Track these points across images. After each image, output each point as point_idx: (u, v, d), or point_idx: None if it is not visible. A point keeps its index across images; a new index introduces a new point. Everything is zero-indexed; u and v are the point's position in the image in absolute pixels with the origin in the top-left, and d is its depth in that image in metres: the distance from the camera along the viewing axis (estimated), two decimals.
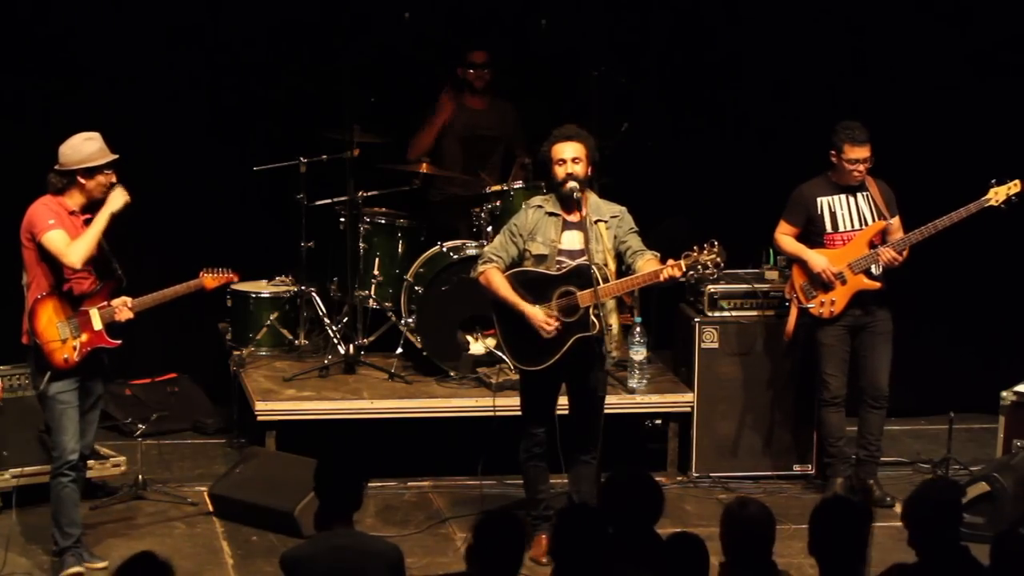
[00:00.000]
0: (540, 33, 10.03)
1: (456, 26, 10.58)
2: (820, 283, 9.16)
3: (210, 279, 8.50)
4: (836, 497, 6.73)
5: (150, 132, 10.32)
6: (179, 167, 10.41)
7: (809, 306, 9.20)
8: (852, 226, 9.17)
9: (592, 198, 8.39)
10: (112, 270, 8.09)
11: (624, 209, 8.40)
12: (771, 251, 9.90)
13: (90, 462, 8.62)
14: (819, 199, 9.18)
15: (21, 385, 8.93)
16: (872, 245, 9.15)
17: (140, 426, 9.97)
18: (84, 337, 7.99)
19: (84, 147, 8.01)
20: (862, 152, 9.06)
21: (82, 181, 7.98)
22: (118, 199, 8.01)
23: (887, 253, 9.07)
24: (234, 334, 10.27)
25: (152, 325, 9.85)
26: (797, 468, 9.71)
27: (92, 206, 8.04)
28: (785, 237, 9.27)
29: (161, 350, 10.39)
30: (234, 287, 10.18)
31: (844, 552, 5.93)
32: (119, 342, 8.09)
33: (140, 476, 9.18)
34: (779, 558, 8.36)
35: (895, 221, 9.17)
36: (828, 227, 9.18)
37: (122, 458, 9.16)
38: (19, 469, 8.84)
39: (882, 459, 9.65)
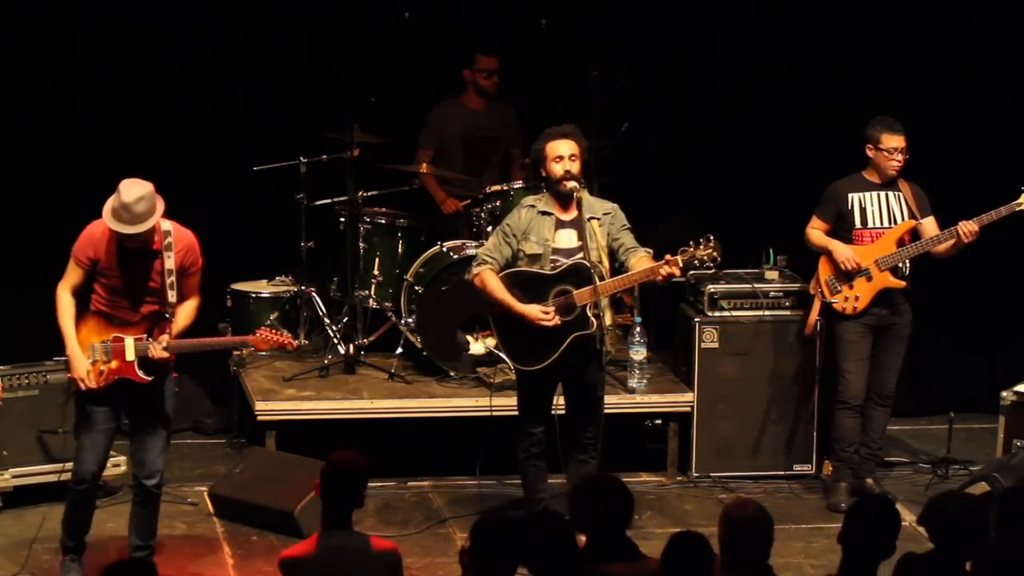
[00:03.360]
0: (540, 33, 10.03)
1: (464, 28, 10.57)
2: (845, 276, 9.15)
3: (262, 340, 8.00)
4: (877, 496, 6.73)
5: (149, 132, 10.32)
6: (179, 167, 10.40)
7: (833, 301, 9.19)
8: (881, 223, 9.17)
9: (585, 196, 8.39)
10: (162, 303, 7.74)
11: (616, 206, 8.41)
12: (771, 251, 9.91)
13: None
14: (850, 195, 9.18)
15: (21, 385, 8.93)
16: (901, 243, 9.14)
17: None
18: (113, 364, 7.72)
19: (114, 198, 7.55)
20: (899, 141, 9.08)
21: None
22: (78, 370, 7.69)
23: (966, 226, 8.99)
24: (234, 334, 10.25)
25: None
26: (797, 468, 9.71)
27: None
28: (815, 231, 9.26)
29: None
30: (234, 287, 10.19)
31: (873, 549, 5.95)
32: (150, 378, 7.77)
33: None
34: (779, 558, 8.39)
35: (928, 222, 9.17)
36: (857, 223, 9.17)
37: (122, 458, 9.13)
38: (19, 469, 8.84)
39: (884, 459, 9.69)
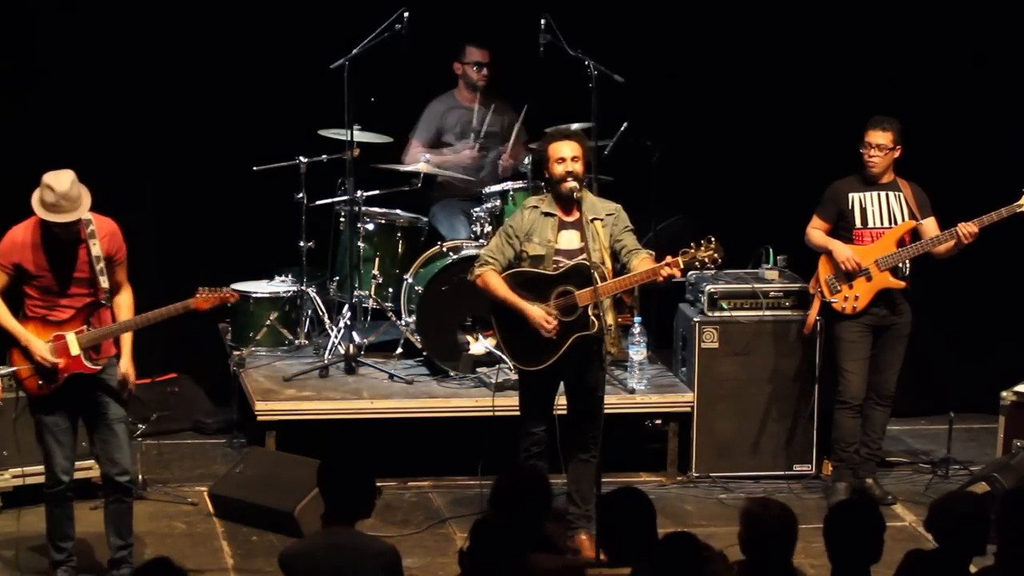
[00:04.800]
0: (540, 32, 10.00)
1: (457, 23, 10.57)
2: (845, 276, 9.14)
3: (203, 300, 8.00)
4: (855, 500, 6.74)
5: (149, 131, 10.32)
6: (179, 167, 10.42)
7: (832, 300, 9.19)
8: (882, 223, 9.17)
9: (588, 197, 8.40)
10: (94, 292, 7.82)
11: (619, 207, 8.41)
12: (771, 251, 9.91)
13: (90, 462, 8.59)
14: (851, 195, 9.19)
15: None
16: (901, 244, 9.14)
17: (140, 426, 9.96)
18: (60, 363, 7.78)
19: (43, 193, 7.66)
20: (876, 137, 9.09)
21: None
22: (39, 350, 7.74)
23: (966, 227, 8.99)
24: (234, 334, 10.26)
25: (152, 325, 9.84)
26: (797, 468, 9.71)
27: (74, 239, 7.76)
28: (815, 231, 9.26)
29: (161, 350, 10.38)
30: (234, 287, 10.16)
31: (859, 553, 5.95)
32: (98, 367, 7.84)
33: (140, 476, 9.18)
34: None
35: (928, 222, 9.17)
36: (857, 223, 9.18)
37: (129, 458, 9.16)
38: (19, 469, 8.84)
39: (885, 459, 9.69)
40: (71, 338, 7.80)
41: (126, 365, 7.91)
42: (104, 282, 7.80)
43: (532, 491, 6.42)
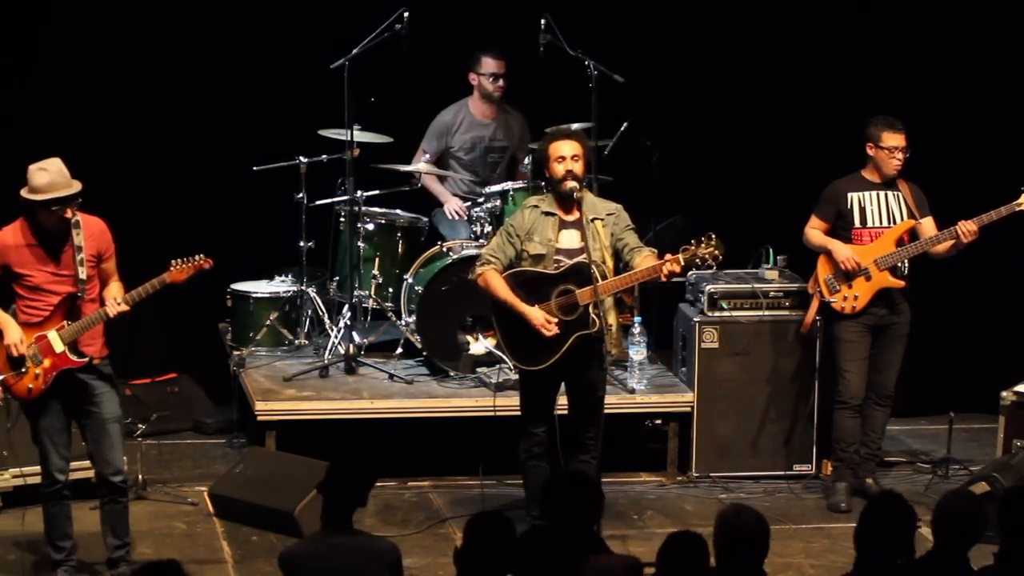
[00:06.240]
0: (540, 32, 10.00)
1: (457, 23, 10.55)
2: (844, 275, 9.15)
3: (178, 272, 7.89)
4: (889, 494, 6.74)
5: (150, 131, 10.33)
6: (179, 167, 10.42)
7: (831, 300, 9.20)
8: (881, 223, 9.17)
9: (588, 196, 8.41)
10: (72, 284, 7.79)
11: (620, 207, 8.42)
12: (771, 251, 9.91)
13: (89, 462, 8.60)
14: (850, 194, 9.19)
15: None
16: (900, 243, 9.15)
17: (140, 426, 9.97)
18: (47, 363, 7.77)
19: (34, 178, 7.70)
20: (900, 140, 9.10)
21: (34, 210, 7.74)
22: (11, 335, 7.77)
23: (966, 226, 9.00)
24: (234, 334, 10.27)
25: (152, 325, 9.86)
26: (797, 468, 9.70)
27: (63, 230, 7.75)
28: (814, 231, 9.26)
29: (161, 350, 10.39)
30: (234, 287, 10.19)
31: (889, 547, 5.95)
32: (85, 360, 7.81)
33: (140, 476, 9.19)
34: (779, 558, 8.42)
35: (927, 222, 9.17)
36: (856, 222, 9.18)
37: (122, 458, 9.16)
38: (19, 469, 8.84)
39: (884, 459, 9.69)
40: (53, 336, 7.79)
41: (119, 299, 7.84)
42: (82, 273, 7.78)
43: (584, 494, 6.36)
